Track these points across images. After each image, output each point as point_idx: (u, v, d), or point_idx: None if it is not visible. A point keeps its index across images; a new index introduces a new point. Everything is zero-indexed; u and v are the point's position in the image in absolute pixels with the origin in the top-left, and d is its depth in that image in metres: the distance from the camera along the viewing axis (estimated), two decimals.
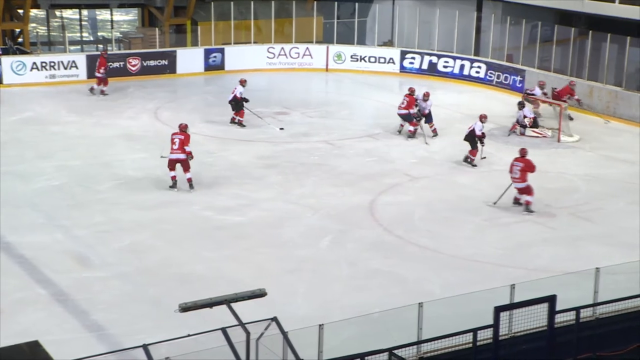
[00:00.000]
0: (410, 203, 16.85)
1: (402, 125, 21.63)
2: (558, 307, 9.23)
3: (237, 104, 21.98)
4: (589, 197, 17.26)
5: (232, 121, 22.07)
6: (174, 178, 16.91)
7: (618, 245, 14.57)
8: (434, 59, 28.63)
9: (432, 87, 27.70)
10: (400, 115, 21.51)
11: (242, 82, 22.05)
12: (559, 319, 9.80)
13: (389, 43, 30.58)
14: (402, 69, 29.05)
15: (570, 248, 14.60)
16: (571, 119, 22.47)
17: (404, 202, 16.96)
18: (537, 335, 9.49)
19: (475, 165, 19.04)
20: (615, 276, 11.44)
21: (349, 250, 14.48)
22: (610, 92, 23.92)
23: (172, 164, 16.88)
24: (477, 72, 27.92)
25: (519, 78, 26.55)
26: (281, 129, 21.68)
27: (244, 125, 21.90)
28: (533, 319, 9.12)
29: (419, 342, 9.86)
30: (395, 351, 9.18)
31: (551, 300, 8.71)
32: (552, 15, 26.90)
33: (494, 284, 11.07)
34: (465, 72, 28.15)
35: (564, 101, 22.30)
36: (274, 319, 8.94)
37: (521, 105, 21.81)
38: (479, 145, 19.07)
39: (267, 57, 29.11)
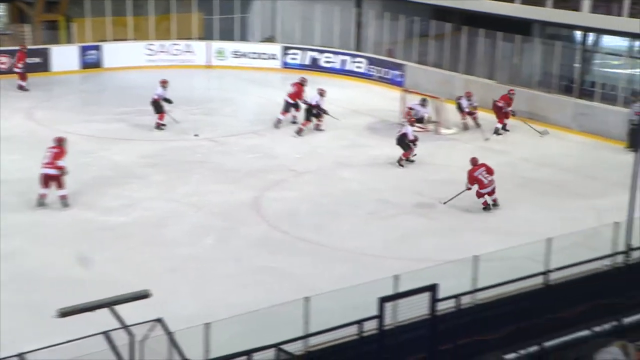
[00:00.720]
0: (295, 198, 16.91)
1: (279, 120, 21.70)
2: (440, 295, 9.45)
3: (157, 105, 21.23)
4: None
5: (158, 127, 21.22)
6: (43, 196, 15.51)
7: (494, 233, 15.10)
8: (316, 55, 28.86)
9: (315, 83, 27.84)
10: (286, 102, 21.83)
11: (163, 83, 21.27)
12: (441, 306, 10.05)
13: (271, 39, 30.60)
14: (285, 64, 29.12)
15: (451, 238, 15.02)
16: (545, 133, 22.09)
17: (289, 197, 17.00)
18: (420, 324, 9.70)
19: (402, 166, 19.03)
20: (492, 263, 11.83)
21: (234, 248, 14.39)
22: (483, 85, 24.75)
23: (44, 180, 15.51)
24: (359, 67, 28.31)
25: (399, 72, 27.09)
26: (196, 135, 20.76)
27: (163, 129, 21.17)
28: (416, 308, 9.31)
29: (305, 336, 9.90)
30: (283, 346, 9.18)
31: (433, 289, 8.92)
32: (428, 10, 27.58)
33: (378, 276, 11.20)
34: (347, 67, 28.50)
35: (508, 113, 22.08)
36: (159, 320, 8.77)
37: (425, 103, 22.06)
38: (412, 146, 19.11)
39: (147, 53, 28.54)
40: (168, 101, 21.22)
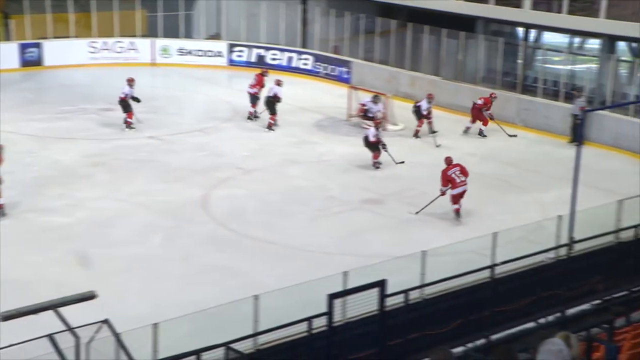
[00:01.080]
0: (243, 196, 16.85)
1: (251, 113, 21.74)
2: (388, 291, 9.52)
3: (125, 104, 20.76)
4: (413, 183, 17.93)
5: (128, 125, 20.80)
6: None
7: (441, 227, 15.28)
8: (262, 52, 28.76)
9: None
10: (250, 94, 21.95)
11: (130, 81, 20.77)
12: (390, 302, 10.12)
13: (217, 36, 30.39)
14: (231, 62, 28.97)
15: (399, 233, 15.13)
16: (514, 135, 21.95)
17: (236, 195, 16.92)
18: (370, 320, 9.75)
19: (378, 167, 18.61)
20: (440, 257, 11.96)
21: (182, 247, 14.28)
22: (429, 81, 24.98)
23: None
24: (305, 64, 28.31)
25: (345, 69, 27.17)
26: (147, 136, 20.34)
27: (133, 128, 20.81)
28: (365, 304, 9.36)
29: (255, 335, 9.88)
30: (232, 345, 9.14)
31: (381, 284, 8.97)
32: (373, 7, 27.73)
33: (327, 272, 11.24)
34: (294, 64, 28.48)
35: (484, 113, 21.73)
36: (105, 321, 8.66)
37: (377, 100, 21.99)
38: (381, 149, 18.54)
39: (89, 51, 28.08)
40: (136, 100, 20.80)
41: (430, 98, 21.30)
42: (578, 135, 16.70)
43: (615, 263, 13.04)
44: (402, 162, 18.57)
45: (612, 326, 7.63)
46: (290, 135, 21.34)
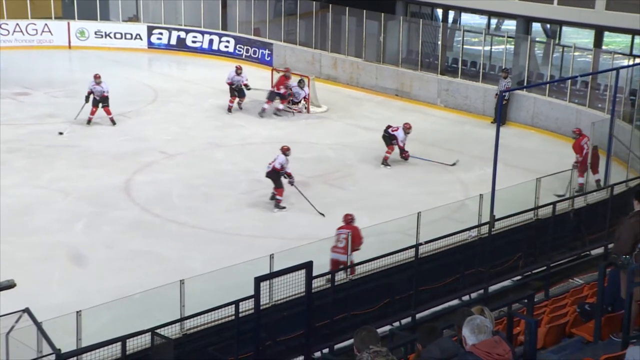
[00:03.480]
0: (167, 180, 16.65)
1: (265, 109, 21.37)
2: (315, 273, 9.56)
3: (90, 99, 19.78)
4: (338, 165, 18.04)
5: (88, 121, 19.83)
6: None
7: (366, 208, 15.38)
8: (182, 34, 28.38)
9: (182, 63, 27.62)
10: (270, 92, 21.60)
11: (96, 78, 19.69)
12: (316, 283, 10.19)
13: (135, 19, 29.80)
14: (150, 44, 28.48)
15: (325, 215, 15.17)
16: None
17: (160, 180, 16.71)
18: (297, 302, 9.79)
19: (282, 206, 15.48)
20: (366, 238, 12.10)
21: (106, 233, 14.04)
22: (352, 63, 25.11)
23: None
24: (226, 47, 28.08)
25: (267, 51, 27.05)
26: (60, 133, 19.17)
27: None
28: (292, 286, 9.38)
29: (182, 319, 9.82)
30: (158, 330, 9.06)
31: (308, 266, 9.00)
32: None
33: (254, 256, 11.26)
34: (215, 46, 28.20)
35: None
36: (26, 310, 8.47)
37: (302, 84, 21.88)
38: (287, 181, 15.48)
39: (1, 34, 27.22)
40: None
41: (407, 129, 18.03)
42: (499, 115, 17.06)
43: (534, 240, 13.42)
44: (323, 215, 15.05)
45: (531, 301, 7.86)
46: (214, 118, 21.16)
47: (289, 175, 15.35)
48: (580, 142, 16.33)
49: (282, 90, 21.67)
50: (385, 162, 17.99)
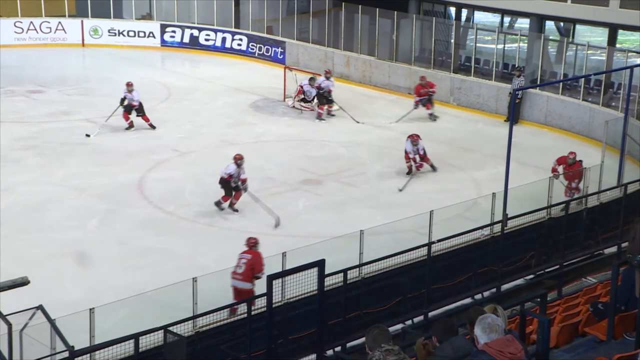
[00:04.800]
0: (180, 178, 16.69)
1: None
2: (327, 271, 9.58)
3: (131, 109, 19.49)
4: (351, 163, 18.03)
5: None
6: None
7: (379, 206, 15.39)
8: (195, 32, 28.43)
9: (195, 61, 27.69)
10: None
11: (128, 85, 19.44)
12: (329, 281, 10.18)
13: (148, 17, 29.89)
14: (163, 42, 28.54)
15: (338, 213, 15.18)
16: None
17: (173, 177, 16.76)
18: (309, 300, 9.80)
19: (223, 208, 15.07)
20: (378, 237, 12.10)
21: (119, 230, 14.09)
22: (365, 61, 25.08)
23: None
24: (239, 45, 28.10)
25: (279, 50, 27.07)
26: (87, 135, 18.96)
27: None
28: (305, 284, 9.39)
29: (194, 317, 9.85)
30: (171, 328, 9.09)
31: (320, 264, 9.01)
32: None
33: (266, 253, 11.26)
34: (227, 44, 28.23)
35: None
36: (39, 307, 8.51)
37: (312, 81, 21.87)
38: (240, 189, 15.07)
39: (15, 32, 27.37)
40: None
41: (414, 140, 17.05)
42: (512, 113, 16.96)
43: (547, 238, 13.37)
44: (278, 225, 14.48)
45: (544, 300, 7.83)
46: (226, 116, 21.19)
47: (243, 182, 14.89)
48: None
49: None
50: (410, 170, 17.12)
